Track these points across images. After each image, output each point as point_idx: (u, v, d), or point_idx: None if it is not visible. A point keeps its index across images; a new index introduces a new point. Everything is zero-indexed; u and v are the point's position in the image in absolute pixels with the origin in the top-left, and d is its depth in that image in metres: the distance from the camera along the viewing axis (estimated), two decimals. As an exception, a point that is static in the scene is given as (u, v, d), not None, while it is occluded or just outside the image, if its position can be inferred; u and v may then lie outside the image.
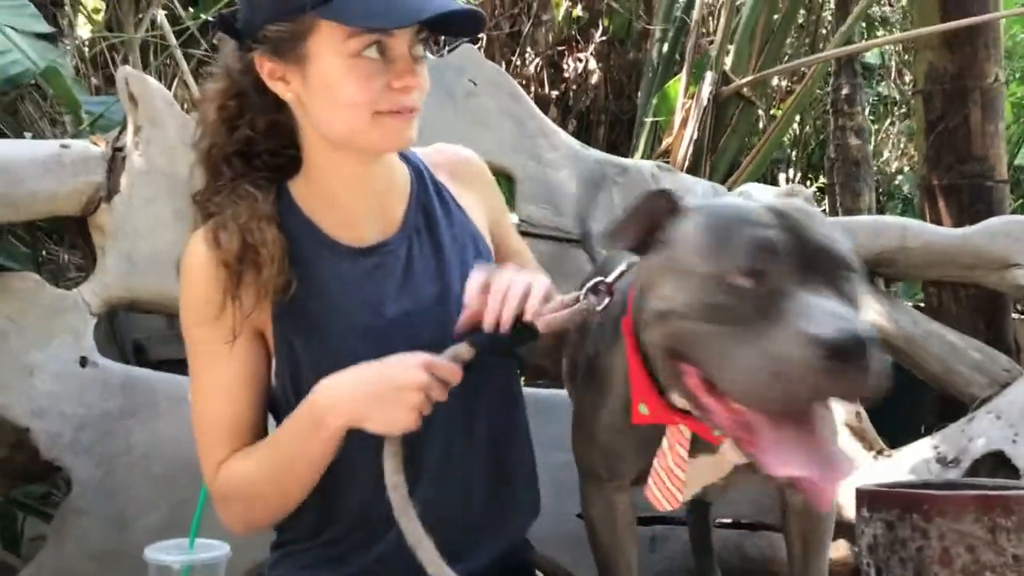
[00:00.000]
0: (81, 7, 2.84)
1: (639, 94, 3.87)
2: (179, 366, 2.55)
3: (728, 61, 3.42)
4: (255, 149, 1.34)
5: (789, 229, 1.03)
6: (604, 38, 4.13)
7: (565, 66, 4.64)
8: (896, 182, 5.20)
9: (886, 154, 5.25)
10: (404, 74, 1.23)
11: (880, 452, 2.22)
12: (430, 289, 1.37)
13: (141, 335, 2.50)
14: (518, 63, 4.46)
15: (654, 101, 3.62)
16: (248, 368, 1.34)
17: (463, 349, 1.25)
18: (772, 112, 4.22)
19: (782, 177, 5.08)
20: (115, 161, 1.98)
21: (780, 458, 1.00)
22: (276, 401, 1.38)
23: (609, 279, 1.31)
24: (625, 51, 4.46)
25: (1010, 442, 2.00)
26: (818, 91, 4.21)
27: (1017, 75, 6.58)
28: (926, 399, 2.87)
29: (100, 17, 3.08)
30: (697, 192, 2.51)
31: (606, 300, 1.30)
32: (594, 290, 1.29)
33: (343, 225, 1.36)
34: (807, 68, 3.48)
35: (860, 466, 2.20)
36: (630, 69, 4.11)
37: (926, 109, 4.05)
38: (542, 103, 4.42)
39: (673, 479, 1.25)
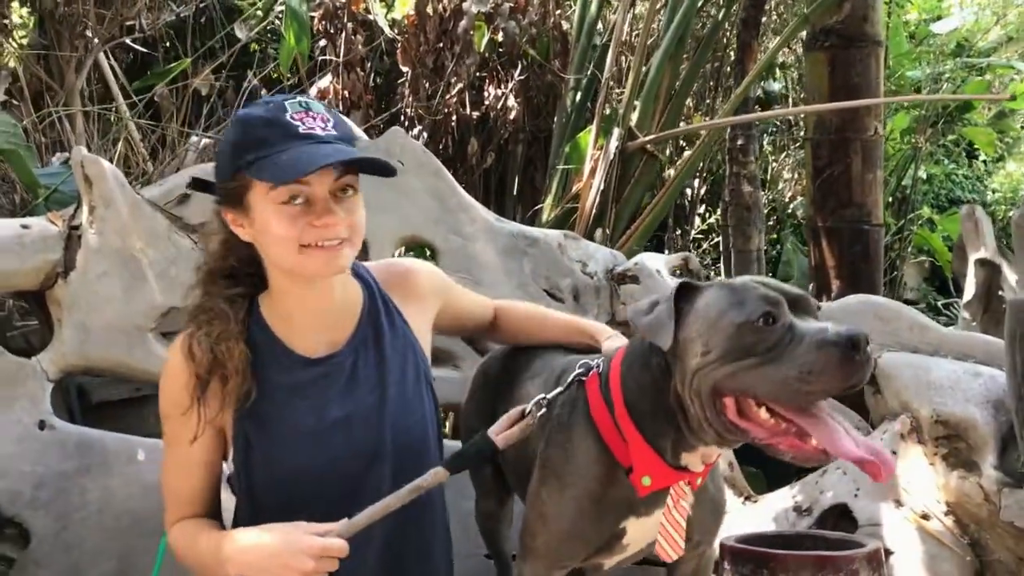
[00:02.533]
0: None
1: (552, 140, 4.13)
2: (118, 407, 2.75)
3: (634, 118, 3.70)
4: (239, 272, 1.60)
5: (776, 288, 1.42)
6: (523, 74, 4.36)
7: (486, 93, 4.88)
8: (789, 210, 5.59)
9: (780, 184, 5.64)
10: (323, 214, 1.47)
11: (748, 498, 2.55)
12: (370, 397, 1.64)
13: (83, 379, 2.68)
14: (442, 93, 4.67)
15: (566, 149, 3.88)
16: (204, 456, 1.63)
17: (441, 473, 1.52)
18: (673, 161, 4.53)
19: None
20: (71, 239, 2.17)
21: (840, 446, 1.35)
22: (234, 483, 1.65)
23: (549, 396, 1.61)
24: (543, 74, 4.73)
25: (852, 495, 2.33)
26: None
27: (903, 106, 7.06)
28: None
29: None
30: (599, 259, 2.78)
31: (542, 410, 1.59)
32: (539, 404, 1.60)
33: (298, 337, 1.62)
34: (704, 130, 3.80)
35: (730, 511, 2.54)
36: (548, 91, 4.38)
37: (814, 156, 4.42)
38: (464, 124, 4.65)
39: (679, 529, 1.58)
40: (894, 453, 2.33)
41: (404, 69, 4.39)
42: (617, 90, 4.01)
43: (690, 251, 5.33)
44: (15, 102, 2.87)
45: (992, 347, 2.41)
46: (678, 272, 2.90)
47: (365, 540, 1.55)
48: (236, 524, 1.64)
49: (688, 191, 5.53)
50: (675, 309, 1.44)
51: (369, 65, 4.44)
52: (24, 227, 2.14)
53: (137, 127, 2.72)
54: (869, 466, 1.34)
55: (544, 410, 1.59)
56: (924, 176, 8.34)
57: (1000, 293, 2.70)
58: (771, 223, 5.62)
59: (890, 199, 7.63)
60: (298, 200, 1.46)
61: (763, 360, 1.35)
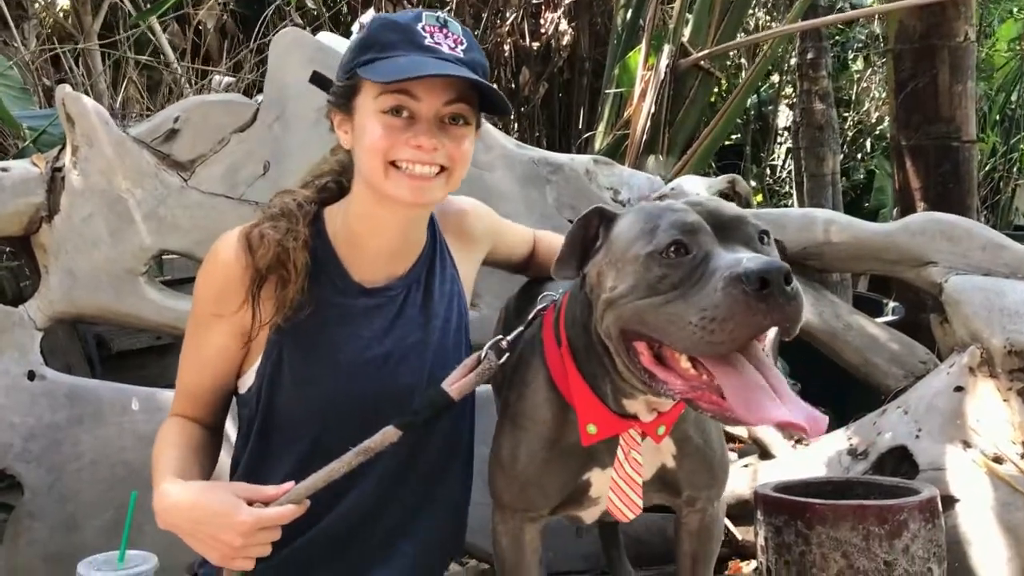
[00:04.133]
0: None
1: (606, 64, 3.88)
2: (139, 356, 2.69)
3: (687, 32, 3.42)
4: (324, 180, 1.53)
5: (703, 211, 1.20)
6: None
7: (543, 20, 4.63)
8: (877, 132, 5.19)
9: (867, 104, 5.22)
10: (422, 134, 1.37)
11: (799, 441, 2.32)
12: (412, 337, 1.52)
13: (102, 328, 2.63)
14: (496, 20, 4.46)
15: (616, 71, 3.63)
16: (221, 356, 1.49)
17: (391, 432, 1.37)
18: (731, 82, 4.21)
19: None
20: (54, 181, 2.07)
21: (752, 409, 1.11)
22: (246, 397, 1.51)
23: (508, 338, 1.46)
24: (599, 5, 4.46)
25: (913, 437, 2.08)
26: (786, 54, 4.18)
27: (1012, 11, 6.47)
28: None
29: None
30: (633, 185, 2.57)
31: (504, 356, 1.45)
32: (495, 348, 1.44)
33: (358, 263, 1.50)
34: (765, 40, 3.48)
35: (778, 457, 2.32)
36: (605, 14, 4.10)
37: (896, 68, 4.05)
38: (520, 54, 4.43)
39: (633, 485, 1.39)
40: (959, 389, 2.07)
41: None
42: (668, 3, 3.71)
43: (766, 179, 5.01)
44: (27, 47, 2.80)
45: (1079, 265, 2.10)
46: (725, 197, 2.65)
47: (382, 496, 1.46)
48: (242, 449, 1.53)
49: (768, 116, 5.19)
50: (593, 237, 1.30)
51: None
52: (3, 170, 2.05)
53: (143, 66, 2.60)
54: (792, 427, 1.10)
55: (508, 354, 1.44)
56: (1036, 92, 7.67)
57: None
58: (858, 145, 5.22)
59: (998, 117, 7.08)
60: (403, 113, 1.37)
61: (668, 299, 1.15)
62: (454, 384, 1.41)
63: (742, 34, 3.76)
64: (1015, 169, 6.33)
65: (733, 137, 5.73)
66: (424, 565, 1.55)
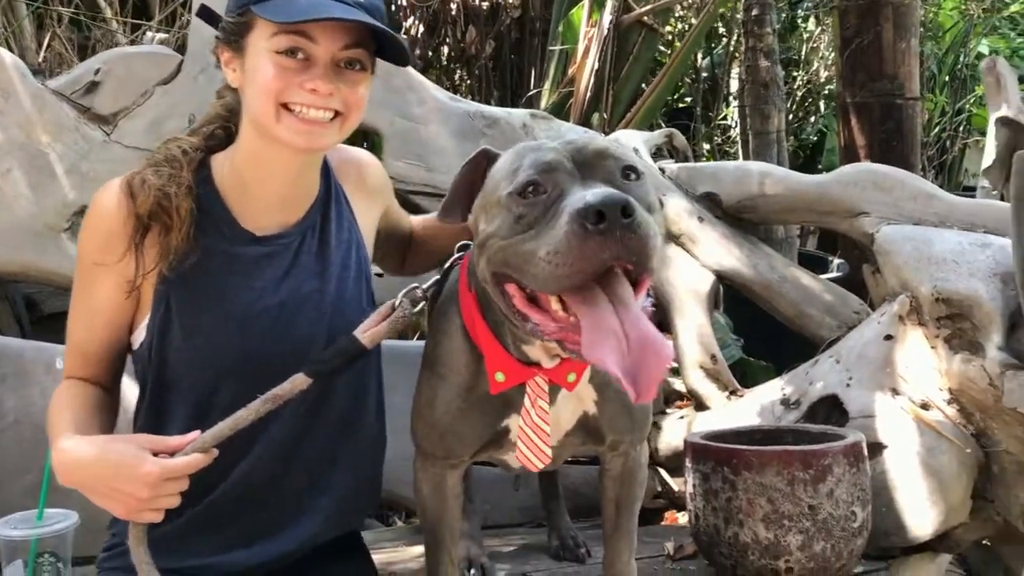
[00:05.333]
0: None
1: (551, 21, 3.84)
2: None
3: (630, -13, 3.39)
4: (210, 125, 1.49)
5: (568, 149, 1.19)
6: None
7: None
8: (826, 92, 5.20)
9: (816, 64, 5.23)
10: (316, 78, 1.34)
11: (734, 392, 2.34)
12: (309, 285, 1.48)
13: (33, 289, 2.57)
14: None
15: (560, 28, 3.60)
16: (110, 310, 1.45)
17: (300, 379, 1.35)
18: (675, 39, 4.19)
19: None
20: (-30, 135, 2.01)
21: (594, 350, 1.11)
22: (139, 353, 1.47)
23: (424, 286, 1.45)
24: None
25: (844, 386, 2.10)
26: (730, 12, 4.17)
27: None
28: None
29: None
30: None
31: (420, 304, 1.44)
32: (410, 296, 1.42)
33: (248, 211, 1.46)
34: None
35: (713, 408, 2.33)
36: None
37: (841, 25, 4.07)
38: (468, 12, 4.36)
39: (540, 434, 1.38)
40: (889, 338, 2.09)
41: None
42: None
43: (715, 140, 5.02)
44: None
45: (1006, 214, 2.11)
46: (663, 151, 2.64)
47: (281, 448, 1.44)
48: (140, 407, 1.49)
49: (719, 78, 5.18)
50: (482, 180, 1.30)
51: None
52: (-84, 123, 1.98)
53: (76, 24, 2.53)
54: (624, 386, 1.09)
55: (425, 302, 1.43)
56: (986, 52, 7.74)
57: (1025, 155, 2.37)
58: (808, 105, 5.24)
59: (947, 79, 7.13)
60: (299, 55, 1.34)
61: (525, 239, 1.15)
62: (366, 332, 1.39)
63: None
64: (963, 129, 6.39)
65: (687, 100, 5.73)
66: (340, 519, 1.54)
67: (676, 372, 2.42)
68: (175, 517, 1.37)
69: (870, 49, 3.95)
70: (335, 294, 1.50)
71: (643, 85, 3.52)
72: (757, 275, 2.36)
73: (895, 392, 2.05)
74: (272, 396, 1.32)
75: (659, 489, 2.41)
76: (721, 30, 5.08)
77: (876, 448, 1.96)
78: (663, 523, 2.39)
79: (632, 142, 2.50)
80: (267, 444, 1.46)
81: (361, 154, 1.68)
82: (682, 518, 2.35)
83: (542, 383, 1.34)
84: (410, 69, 2.38)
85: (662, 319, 2.47)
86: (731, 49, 5.19)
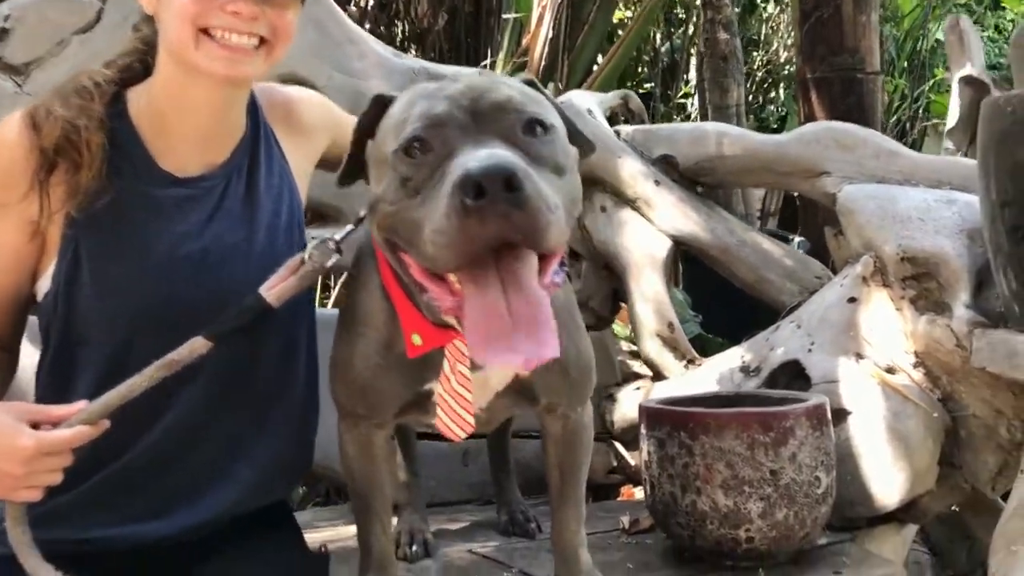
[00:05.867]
0: None
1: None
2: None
3: (584, -46, 3.29)
4: (140, 53, 1.37)
5: (466, 97, 1.03)
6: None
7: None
8: (785, 72, 5.14)
9: (775, 43, 5.17)
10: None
11: (691, 361, 2.24)
12: (235, 234, 1.36)
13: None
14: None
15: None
16: (9, 256, 1.31)
17: (199, 342, 1.22)
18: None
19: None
20: None
21: (470, 333, 0.99)
22: (44, 305, 1.33)
23: (337, 236, 1.31)
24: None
25: (806, 351, 2.01)
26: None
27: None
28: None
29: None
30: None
31: (334, 257, 1.30)
32: (321, 248, 1.29)
33: (167, 149, 1.34)
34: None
35: (670, 377, 2.23)
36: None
37: (801, -1, 4.00)
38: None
39: (461, 401, 1.25)
40: (852, 300, 2.00)
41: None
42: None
43: (674, 117, 4.92)
44: None
45: (972, 171, 2.03)
46: (618, 115, 2.54)
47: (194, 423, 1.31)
48: (42, 366, 1.35)
49: (679, 60, 5.09)
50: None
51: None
52: None
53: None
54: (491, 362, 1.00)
55: (339, 254, 1.30)
56: (943, 40, 7.74)
57: (989, 115, 2.29)
58: (767, 86, 5.17)
59: (906, 64, 7.13)
60: None
61: (412, 206, 1.02)
62: (272, 288, 1.26)
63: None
64: (922, 113, 6.37)
65: (646, 86, 5.65)
66: (263, 488, 1.41)
67: (634, 343, 2.33)
68: (76, 485, 1.24)
69: (830, 23, 3.89)
70: (264, 244, 1.37)
71: (599, 56, 3.41)
72: (715, 239, 2.26)
73: (859, 356, 1.96)
74: (167, 362, 1.19)
75: (615, 464, 2.31)
76: (681, 15, 4.99)
77: (840, 414, 1.87)
78: (619, 499, 2.29)
79: (585, 103, 2.39)
80: (180, 411, 1.33)
81: (291, 91, 1.54)
82: (639, 493, 2.25)
83: (462, 347, 1.20)
84: (349, 21, 2.25)
85: (618, 286, 2.37)
86: (690, 33, 5.11)
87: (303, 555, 1.46)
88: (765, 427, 1.62)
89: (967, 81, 2.26)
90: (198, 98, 1.31)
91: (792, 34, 5.26)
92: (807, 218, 3.83)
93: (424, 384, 1.29)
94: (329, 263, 1.29)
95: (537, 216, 0.93)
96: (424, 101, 1.05)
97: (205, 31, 1.24)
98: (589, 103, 2.40)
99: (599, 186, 2.34)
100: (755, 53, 5.20)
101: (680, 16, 4.87)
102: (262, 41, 1.27)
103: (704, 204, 2.32)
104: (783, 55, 5.28)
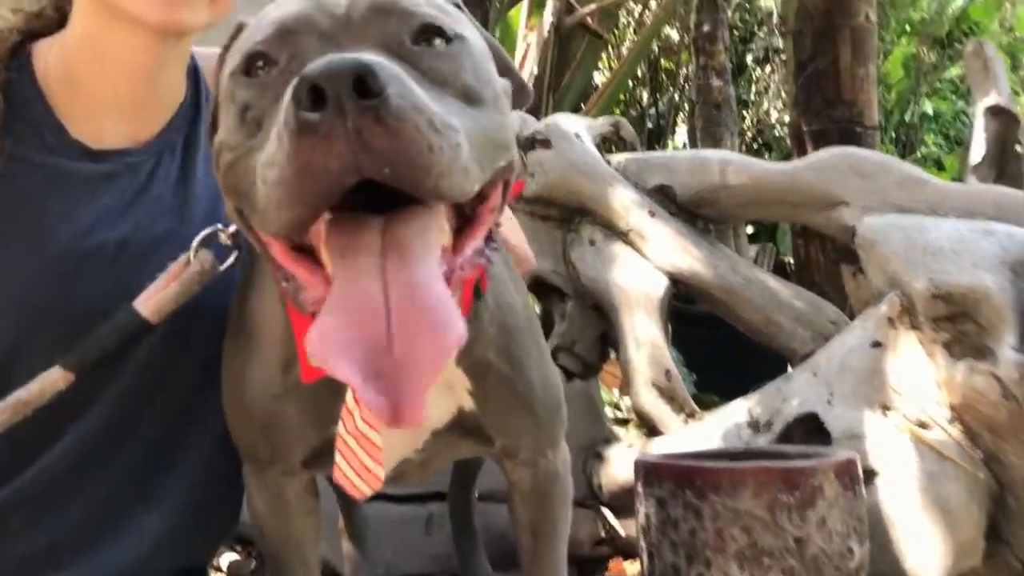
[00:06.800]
0: None
1: (486, 24, 3.55)
2: None
3: (572, -12, 3.12)
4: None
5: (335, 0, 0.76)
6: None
7: None
8: (776, 132, 5.00)
9: (766, 104, 5.04)
10: None
11: (691, 415, 1.97)
12: (163, 225, 1.12)
13: None
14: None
15: (496, 32, 3.29)
16: None
17: (55, 375, 0.96)
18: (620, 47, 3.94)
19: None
20: None
21: (318, 342, 0.65)
22: None
23: (231, 230, 1.04)
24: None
25: (824, 403, 1.75)
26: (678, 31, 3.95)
27: (905, 26, 6.47)
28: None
29: None
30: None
31: (233, 256, 1.04)
32: (205, 243, 1.01)
33: (81, 115, 1.10)
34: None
35: (667, 433, 1.96)
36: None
37: (796, 49, 3.87)
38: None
39: (367, 446, 0.90)
40: (877, 345, 1.74)
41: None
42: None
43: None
44: None
45: (1006, 200, 1.82)
46: (606, 143, 2.31)
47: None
48: None
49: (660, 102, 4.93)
50: None
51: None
52: None
53: None
54: (361, 396, 0.65)
55: (237, 251, 1.04)
56: (931, 113, 7.72)
57: (1018, 149, 2.09)
58: (758, 146, 5.02)
59: (893, 134, 7.06)
60: None
61: (249, 147, 0.74)
62: (149, 300, 1.00)
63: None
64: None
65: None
66: (176, 540, 1.12)
67: (623, 393, 2.06)
68: None
69: (827, 74, 3.75)
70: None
71: (585, 94, 3.22)
72: (718, 277, 2.01)
73: (886, 409, 1.70)
74: (14, 403, 0.93)
75: (603, 534, 2.01)
76: (670, 65, 4.86)
77: (867, 476, 1.60)
78: (607, 573, 1.99)
79: (573, 127, 2.16)
80: (68, 443, 1.05)
81: None
82: (630, 566, 1.95)
83: None
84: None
85: (607, 329, 2.10)
86: (679, 105, 4.95)
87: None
88: (789, 485, 1.34)
89: (993, 111, 2.06)
90: (122, 53, 1.07)
91: (783, 94, 5.14)
92: (806, 263, 3.61)
93: (335, 423, 0.96)
94: (223, 267, 1.02)
95: (411, 135, 0.63)
96: (279, 9, 0.78)
97: None
98: (577, 127, 2.17)
99: (587, 217, 2.10)
100: (745, 113, 5.06)
101: (669, 66, 4.73)
102: None
103: (704, 239, 2.08)
104: (774, 115, 5.14)
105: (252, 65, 0.75)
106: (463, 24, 0.81)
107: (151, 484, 1.12)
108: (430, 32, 0.75)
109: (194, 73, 1.19)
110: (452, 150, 0.65)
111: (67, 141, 1.10)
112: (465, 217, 0.77)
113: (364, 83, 0.61)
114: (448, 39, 0.76)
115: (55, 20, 1.12)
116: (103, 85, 1.09)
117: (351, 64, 0.61)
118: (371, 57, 0.64)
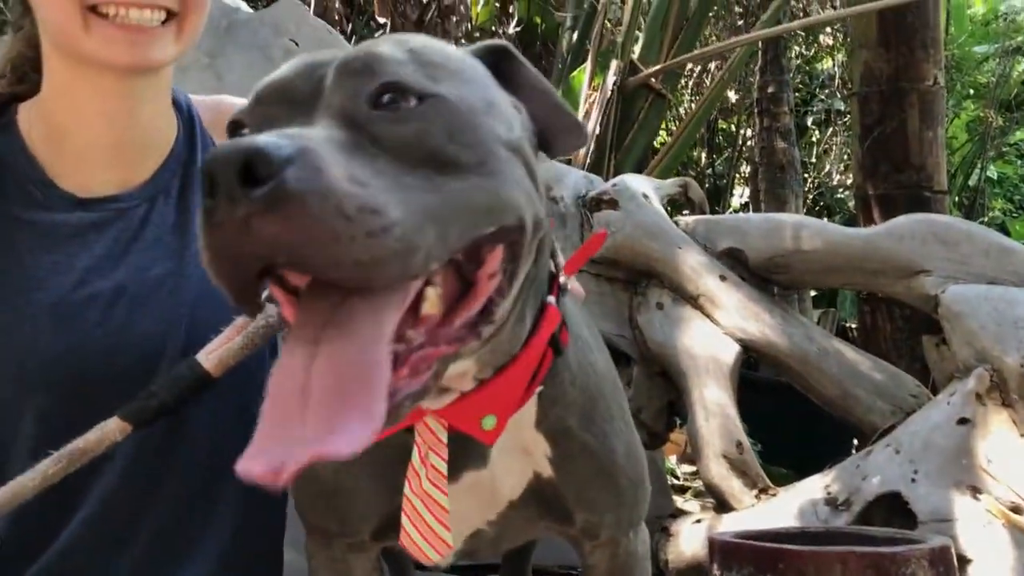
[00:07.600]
0: None
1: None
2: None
3: (637, 49, 3.09)
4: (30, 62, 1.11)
5: (322, 62, 0.70)
6: (518, 28, 3.79)
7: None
8: (838, 195, 4.91)
9: (827, 166, 4.96)
10: None
11: (764, 491, 1.87)
12: (161, 267, 1.08)
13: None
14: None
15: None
16: None
17: (113, 425, 0.91)
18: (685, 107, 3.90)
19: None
20: None
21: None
22: None
23: None
24: (540, 39, 4.16)
25: (908, 481, 1.66)
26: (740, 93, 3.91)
27: (970, 90, 6.36)
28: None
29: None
30: (568, 183, 2.18)
31: None
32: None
33: (69, 168, 1.08)
34: (727, 53, 3.15)
35: (739, 509, 1.86)
36: (541, 60, 3.81)
37: (862, 113, 3.77)
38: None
39: (433, 508, 0.86)
40: (964, 422, 1.65)
41: (381, 20, 3.85)
42: (617, 25, 3.40)
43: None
44: None
45: (1104, 271, 1.72)
46: (673, 204, 2.26)
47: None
48: None
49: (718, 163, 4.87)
50: None
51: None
52: None
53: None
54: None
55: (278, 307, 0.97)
56: (995, 177, 7.57)
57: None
58: (819, 209, 4.93)
59: (957, 198, 6.92)
60: None
61: None
62: (211, 353, 0.95)
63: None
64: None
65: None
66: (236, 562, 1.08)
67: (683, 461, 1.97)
68: None
69: (894, 138, 3.64)
70: (201, 279, 1.03)
71: (648, 153, 3.18)
72: (792, 346, 1.93)
73: (976, 490, 1.61)
74: (71, 451, 0.89)
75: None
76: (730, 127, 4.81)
77: (959, 562, 1.49)
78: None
79: (642, 188, 2.12)
80: (92, 509, 1.03)
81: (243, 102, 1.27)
82: (698, 651, 1.85)
83: (436, 426, 0.84)
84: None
85: (674, 398, 2.03)
86: (736, 159, 4.90)
87: None
88: (880, 572, 1.25)
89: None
90: (97, 98, 1.05)
91: (846, 156, 5.05)
92: (872, 330, 3.48)
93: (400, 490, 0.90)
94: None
95: (306, 224, 0.57)
96: (278, 70, 0.73)
97: (94, 9, 0.98)
98: (644, 188, 2.12)
99: (655, 280, 2.04)
100: (806, 175, 4.98)
101: (727, 127, 4.69)
102: (169, 15, 1.00)
103: (777, 306, 2.00)
104: (836, 178, 5.05)
105: (234, 132, 0.72)
106: (448, 79, 0.71)
107: (185, 538, 1.08)
108: (395, 92, 0.67)
109: (190, 119, 1.17)
110: (369, 238, 0.58)
111: (56, 194, 1.08)
112: (467, 282, 0.71)
113: (252, 170, 0.57)
114: (420, 98, 0.67)
115: (37, 82, 1.10)
116: (84, 133, 1.08)
117: (239, 150, 0.57)
118: (267, 139, 0.59)
